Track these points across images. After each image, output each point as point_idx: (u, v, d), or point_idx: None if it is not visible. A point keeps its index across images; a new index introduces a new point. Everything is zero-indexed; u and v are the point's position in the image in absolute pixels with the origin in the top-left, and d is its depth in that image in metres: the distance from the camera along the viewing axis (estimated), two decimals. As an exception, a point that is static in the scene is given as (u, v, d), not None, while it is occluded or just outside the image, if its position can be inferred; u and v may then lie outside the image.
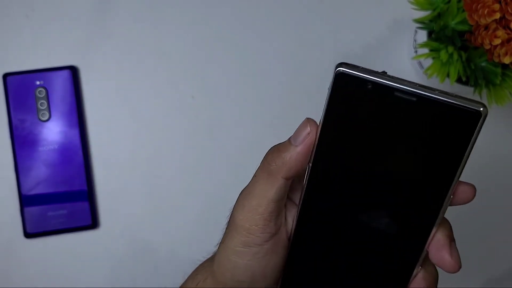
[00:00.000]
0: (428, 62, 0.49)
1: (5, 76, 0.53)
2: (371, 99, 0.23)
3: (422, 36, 0.49)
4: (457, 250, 0.26)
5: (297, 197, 0.28)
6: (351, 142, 0.24)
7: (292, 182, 0.28)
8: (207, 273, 0.32)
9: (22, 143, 0.53)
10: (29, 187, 0.53)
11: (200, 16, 0.56)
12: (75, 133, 0.53)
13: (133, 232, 0.55)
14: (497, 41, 0.41)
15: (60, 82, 0.53)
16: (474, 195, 0.26)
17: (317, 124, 0.25)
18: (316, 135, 0.25)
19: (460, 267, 0.26)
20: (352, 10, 0.57)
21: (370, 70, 0.23)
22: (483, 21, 0.41)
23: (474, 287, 0.56)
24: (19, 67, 0.53)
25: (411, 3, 0.47)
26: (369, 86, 0.22)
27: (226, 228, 0.29)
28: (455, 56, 0.45)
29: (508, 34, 0.41)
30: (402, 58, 0.56)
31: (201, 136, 0.55)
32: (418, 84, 0.22)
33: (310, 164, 0.26)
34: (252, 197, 0.27)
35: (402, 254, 0.26)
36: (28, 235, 0.53)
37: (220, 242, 0.30)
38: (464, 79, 0.46)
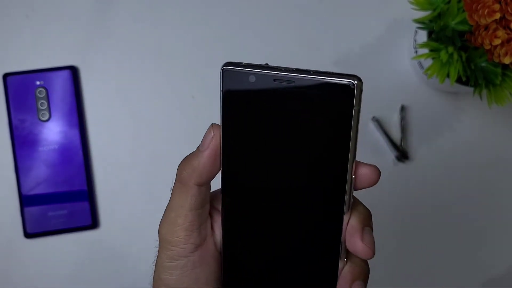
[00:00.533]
0: (428, 62, 0.49)
1: (5, 76, 0.53)
2: (256, 90, 0.24)
3: (422, 36, 0.49)
4: (372, 236, 0.25)
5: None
6: (249, 137, 0.25)
7: (216, 193, 0.29)
8: None
9: (22, 143, 0.53)
10: (29, 187, 0.53)
11: (200, 16, 0.56)
12: (75, 133, 0.53)
13: (133, 232, 0.55)
14: (497, 41, 0.41)
15: (60, 82, 0.53)
16: (378, 176, 0.25)
17: (219, 128, 0.26)
18: (219, 137, 0.26)
19: (373, 253, 0.25)
20: (352, 10, 0.57)
21: (253, 64, 0.24)
22: (483, 21, 0.41)
23: (474, 287, 0.56)
24: (19, 67, 0.54)
25: (411, 3, 0.47)
26: (252, 79, 0.24)
27: (157, 247, 0.29)
28: (455, 56, 0.45)
29: (508, 34, 0.41)
30: (402, 58, 0.56)
31: (201, 136, 0.55)
32: (295, 68, 0.23)
33: (221, 169, 0.27)
34: (170, 209, 0.28)
35: (324, 248, 0.26)
36: (28, 235, 0.53)
37: (154, 262, 0.29)
38: (464, 79, 0.46)
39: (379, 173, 0.25)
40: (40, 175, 0.53)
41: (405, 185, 0.57)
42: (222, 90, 0.25)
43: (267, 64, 0.25)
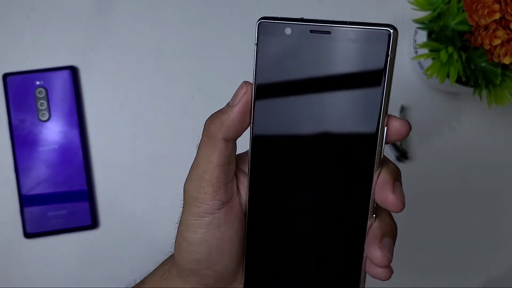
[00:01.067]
0: (428, 62, 0.49)
1: (5, 76, 0.53)
2: (293, 42, 0.24)
3: (422, 36, 0.49)
4: (402, 190, 0.25)
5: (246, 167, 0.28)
6: (284, 91, 0.25)
7: (243, 154, 0.29)
8: (171, 264, 0.32)
9: (22, 143, 0.53)
10: (29, 187, 0.53)
11: (200, 16, 0.56)
12: (75, 133, 0.53)
13: (133, 232, 0.55)
14: (497, 42, 0.41)
15: (60, 82, 0.53)
16: (409, 130, 0.25)
17: (252, 85, 0.26)
18: (252, 93, 0.26)
19: (403, 205, 0.25)
20: (352, 10, 0.57)
21: (288, 18, 0.25)
22: (483, 22, 0.41)
23: (474, 287, 0.56)
24: (19, 67, 0.54)
25: (411, 3, 0.47)
26: (288, 31, 0.24)
27: (182, 206, 0.29)
28: (455, 57, 0.45)
29: (508, 34, 0.41)
30: (402, 58, 0.56)
31: (201, 136, 0.55)
32: (331, 20, 0.24)
33: (252, 126, 0.26)
34: (197, 166, 0.28)
35: (353, 206, 0.26)
36: (28, 235, 0.53)
37: (178, 222, 0.29)
38: (464, 79, 0.46)
39: (409, 127, 0.25)
40: (40, 175, 0.53)
41: (405, 185, 0.56)
42: (257, 44, 0.25)
43: (302, 18, 0.25)
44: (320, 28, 0.24)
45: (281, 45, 0.25)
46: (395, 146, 0.55)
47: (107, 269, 0.55)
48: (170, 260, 0.33)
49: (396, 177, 0.26)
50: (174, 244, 0.30)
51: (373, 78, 0.23)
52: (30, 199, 0.53)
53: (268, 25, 0.25)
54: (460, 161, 0.57)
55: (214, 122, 0.27)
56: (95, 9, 0.55)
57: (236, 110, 0.26)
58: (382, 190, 0.25)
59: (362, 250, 0.26)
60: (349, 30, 0.23)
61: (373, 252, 0.25)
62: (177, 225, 0.29)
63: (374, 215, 0.26)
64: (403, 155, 0.55)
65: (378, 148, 0.24)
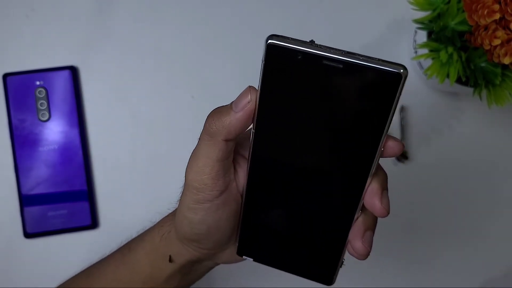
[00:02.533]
0: (427, 62, 0.49)
1: (5, 76, 0.53)
2: (302, 68, 0.24)
3: (422, 36, 0.49)
4: (388, 198, 0.28)
5: (246, 152, 0.29)
6: (288, 108, 0.26)
7: (241, 138, 0.30)
8: (170, 226, 0.35)
9: (22, 143, 0.53)
10: (29, 187, 0.53)
11: (200, 16, 0.56)
12: (75, 133, 0.53)
13: (133, 232, 0.55)
14: (497, 42, 0.41)
15: (60, 82, 0.53)
16: (402, 149, 0.27)
17: (257, 93, 0.26)
18: (256, 104, 0.26)
19: (388, 213, 0.28)
20: (352, 10, 0.57)
21: (299, 40, 0.24)
22: (483, 22, 0.41)
23: (474, 287, 0.56)
24: (19, 67, 0.54)
25: (411, 3, 0.47)
26: (299, 56, 0.24)
27: (183, 187, 0.31)
28: (455, 57, 0.45)
29: (507, 34, 0.41)
30: (402, 58, 0.56)
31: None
32: (344, 51, 0.24)
33: (254, 130, 0.27)
34: (198, 158, 0.29)
35: (344, 201, 0.29)
36: (28, 235, 0.53)
37: (179, 200, 0.32)
38: (464, 79, 0.46)
39: (402, 147, 0.27)
40: (40, 175, 0.53)
41: (405, 185, 0.57)
42: (264, 61, 0.25)
43: (313, 41, 0.24)
44: (332, 59, 0.24)
45: (290, 68, 0.24)
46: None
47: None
48: (169, 222, 0.35)
49: (384, 185, 0.29)
50: (175, 213, 0.32)
51: (381, 111, 0.25)
52: (30, 199, 0.53)
53: (277, 47, 0.24)
54: (459, 161, 0.57)
55: (216, 123, 0.28)
56: (95, 9, 0.55)
57: (238, 117, 0.27)
58: (371, 198, 0.28)
59: (346, 235, 0.30)
60: (362, 66, 0.23)
61: (356, 243, 0.29)
62: (178, 200, 0.32)
63: (360, 211, 0.29)
64: (403, 155, 0.55)
65: (374, 160, 0.27)
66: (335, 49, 0.24)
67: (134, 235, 0.40)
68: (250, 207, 0.31)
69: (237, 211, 0.32)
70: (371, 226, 0.30)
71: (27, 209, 0.53)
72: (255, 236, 0.32)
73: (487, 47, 0.42)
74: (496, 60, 0.42)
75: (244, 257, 0.33)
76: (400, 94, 0.24)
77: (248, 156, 0.29)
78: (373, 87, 0.24)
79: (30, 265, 0.54)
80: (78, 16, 0.55)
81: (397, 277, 0.56)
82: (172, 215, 0.35)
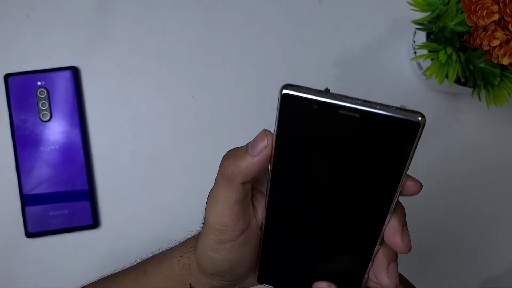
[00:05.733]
0: (427, 63, 0.49)
1: (7, 76, 0.53)
2: (317, 116, 0.24)
3: (421, 37, 0.49)
4: (408, 234, 0.29)
5: (263, 188, 0.30)
6: (305, 154, 0.26)
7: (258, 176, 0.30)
8: (190, 258, 0.34)
9: (24, 143, 0.53)
10: (30, 187, 0.53)
11: (200, 16, 0.56)
12: (76, 133, 0.53)
13: (134, 231, 0.55)
14: (496, 42, 0.41)
15: (61, 83, 0.53)
16: (420, 189, 0.28)
17: (273, 137, 0.26)
18: (272, 147, 0.26)
19: (410, 249, 0.28)
20: (351, 11, 0.57)
21: (314, 89, 0.24)
22: (482, 22, 0.41)
23: (474, 287, 0.57)
24: (21, 67, 0.54)
25: (410, 4, 0.47)
26: (315, 106, 0.23)
27: (203, 224, 0.31)
28: (454, 57, 0.45)
29: (506, 35, 0.41)
30: (401, 59, 0.56)
31: (201, 136, 0.56)
32: (361, 99, 0.23)
33: (270, 173, 0.27)
34: (217, 201, 0.29)
35: (364, 237, 0.29)
36: (29, 234, 0.53)
37: (199, 237, 0.32)
38: (462, 80, 0.46)
39: (420, 187, 0.28)
40: (41, 175, 0.53)
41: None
42: (279, 110, 0.25)
43: (328, 89, 0.24)
44: (349, 109, 0.23)
45: (305, 117, 0.24)
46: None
47: (108, 269, 0.55)
48: (190, 252, 0.35)
49: (404, 221, 0.29)
50: (196, 249, 0.32)
51: (400, 156, 0.25)
52: (31, 199, 0.53)
53: (292, 97, 0.24)
54: (459, 161, 0.57)
55: (232, 167, 0.28)
56: (97, 10, 0.55)
57: (256, 161, 0.27)
58: (392, 236, 0.28)
59: (366, 269, 0.30)
60: (379, 115, 0.23)
61: (382, 278, 0.29)
62: (198, 236, 0.32)
63: (379, 244, 0.29)
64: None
65: (394, 200, 0.27)
66: (351, 97, 0.23)
67: (149, 254, 0.39)
68: (269, 239, 0.31)
69: (259, 245, 0.32)
70: (393, 258, 0.30)
71: (29, 209, 0.53)
72: (275, 265, 0.32)
73: (486, 48, 0.42)
74: (495, 61, 0.42)
75: (264, 285, 0.33)
76: (418, 140, 0.24)
77: (266, 195, 0.29)
78: (391, 135, 0.24)
79: (31, 265, 0.54)
80: (79, 16, 0.55)
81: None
82: (192, 246, 0.35)
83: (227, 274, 0.32)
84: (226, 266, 0.31)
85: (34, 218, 0.53)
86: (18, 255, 0.54)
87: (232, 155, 0.28)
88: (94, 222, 0.54)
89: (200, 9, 0.56)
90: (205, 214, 0.30)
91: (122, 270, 0.40)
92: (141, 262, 0.39)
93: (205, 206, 0.30)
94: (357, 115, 0.23)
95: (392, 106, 0.23)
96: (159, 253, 0.38)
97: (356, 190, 0.27)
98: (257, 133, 0.27)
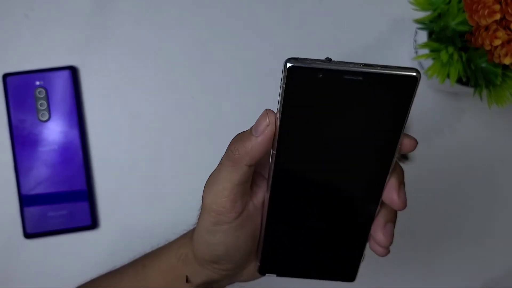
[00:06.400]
0: (428, 62, 0.49)
1: (5, 76, 0.53)
2: (323, 85, 0.25)
3: (422, 36, 0.49)
4: (405, 192, 0.30)
5: (264, 171, 0.31)
6: (310, 124, 0.27)
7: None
8: (188, 248, 0.35)
9: (22, 143, 0.53)
10: (29, 187, 0.53)
11: (200, 17, 0.56)
12: (75, 134, 0.53)
13: (133, 232, 0.55)
14: (498, 42, 0.41)
15: (60, 83, 0.53)
16: (415, 146, 0.29)
17: (275, 115, 0.27)
18: (276, 126, 0.27)
19: (405, 206, 0.30)
20: (352, 10, 0.57)
21: (317, 59, 0.25)
22: (483, 22, 0.41)
23: (474, 287, 0.56)
24: (19, 67, 0.53)
25: (412, 3, 0.47)
26: (320, 75, 0.25)
27: (200, 210, 0.31)
28: (455, 57, 0.45)
29: (508, 35, 0.41)
30: (402, 58, 0.56)
31: (201, 136, 0.55)
32: (361, 63, 0.25)
33: (274, 152, 0.28)
34: (218, 182, 0.30)
35: (366, 199, 0.30)
36: (28, 235, 0.53)
37: (196, 222, 0.32)
38: (464, 79, 0.46)
39: (416, 143, 0.29)
40: (40, 175, 0.53)
41: (406, 184, 0.56)
42: (285, 84, 0.25)
43: (329, 58, 0.25)
44: (353, 73, 0.25)
45: (311, 88, 0.25)
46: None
47: (107, 269, 0.55)
48: (187, 243, 0.35)
49: (401, 180, 0.30)
50: (193, 236, 0.33)
51: (399, 112, 0.27)
52: (30, 199, 0.53)
53: (297, 69, 0.25)
54: (460, 161, 0.57)
55: (239, 149, 0.29)
56: (96, 9, 0.55)
57: (260, 141, 0.28)
58: (389, 193, 0.30)
59: (369, 230, 0.32)
60: (380, 74, 0.25)
61: (378, 236, 0.31)
62: (196, 222, 0.32)
63: (379, 207, 0.31)
64: (402, 155, 0.55)
65: (394, 158, 0.29)
66: (353, 63, 0.25)
67: (148, 250, 0.39)
68: (273, 225, 0.31)
69: (255, 230, 0.32)
70: (391, 218, 0.31)
71: (27, 209, 0.53)
72: (278, 252, 0.33)
73: (487, 48, 0.42)
74: (496, 61, 0.42)
75: (267, 275, 0.34)
76: (415, 95, 0.26)
77: (269, 177, 0.29)
78: (392, 92, 0.26)
79: (30, 266, 0.54)
80: (78, 16, 0.55)
81: (397, 277, 0.56)
82: (190, 237, 0.35)
83: (222, 260, 0.32)
84: (222, 250, 0.31)
85: (32, 218, 0.53)
86: (17, 256, 0.54)
87: (238, 138, 0.29)
88: (93, 223, 0.53)
89: (200, 9, 0.56)
90: (202, 197, 0.31)
91: (121, 266, 0.40)
92: (139, 257, 0.39)
93: (202, 191, 0.31)
94: (360, 78, 0.25)
95: (391, 66, 0.25)
96: (157, 248, 0.38)
97: (361, 152, 0.28)
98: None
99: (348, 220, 0.31)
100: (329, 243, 0.32)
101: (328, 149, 0.28)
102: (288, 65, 0.25)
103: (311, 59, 0.25)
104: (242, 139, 0.28)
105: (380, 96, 0.26)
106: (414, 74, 0.25)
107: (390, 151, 0.28)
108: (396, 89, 0.25)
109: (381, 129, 0.27)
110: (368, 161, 0.29)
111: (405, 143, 0.29)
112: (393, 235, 0.31)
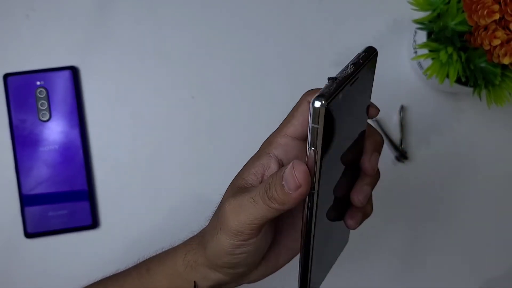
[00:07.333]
0: (427, 62, 0.49)
1: (6, 76, 0.53)
2: (342, 104, 0.26)
3: (422, 36, 0.49)
4: (376, 160, 0.31)
5: None
6: (340, 148, 0.28)
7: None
8: (196, 255, 0.34)
9: (23, 143, 0.53)
10: (30, 187, 0.53)
11: (200, 17, 0.56)
12: (75, 133, 0.53)
13: (133, 232, 0.55)
14: (497, 42, 0.41)
15: (61, 83, 0.53)
16: (378, 112, 0.31)
17: (307, 173, 0.26)
18: (314, 170, 0.27)
19: (374, 171, 0.31)
20: (352, 10, 0.57)
21: (329, 86, 0.25)
22: (482, 22, 0.41)
23: (474, 287, 0.57)
24: (20, 67, 0.54)
25: (411, 3, 0.47)
26: (340, 97, 0.25)
27: (217, 218, 0.31)
28: (455, 57, 0.45)
29: (507, 34, 0.41)
30: (402, 58, 0.56)
31: (201, 136, 0.55)
32: (349, 64, 0.27)
33: (313, 192, 0.28)
34: (249, 213, 0.29)
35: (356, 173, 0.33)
36: (28, 235, 0.53)
37: (211, 235, 0.31)
38: (463, 79, 0.46)
39: (378, 110, 0.31)
40: (41, 175, 0.53)
41: (405, 185, 0.57)
42: (324, 127, 0.25)
43: (333, 77, 0.26)
44: (353, 77, 0.26)
45: (338, 112, 0.26)
46: (395, 146, 0.55)
47: (107, 269, 0.55)
48: (195, 249, 0.34)
49: (376, 147, 0.32)
50: (206, 245, 0.32)
51: (369, 85, 0.30)
52: (30, 199, 0.53)
53: (329, 105, 0.24)
54: (459, 161, 0.57)
55: (277, 200, 0.28)
56: (96, 9, 0.55)
57: (296, 197, 0.27)
58: (363, 158, 0.31)
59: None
60: (363, 63, 0.27)
61: (354, 196, 0.32)
62: (211, 230, 0.32)
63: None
64: (402, 155, 0.56)
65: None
66: (345, 69, 0.26)
67: (151, 253, 0.39)
68: (311, 247, 0.30)
69: (269, 239, 0.32)
70: (369, 182, 0.32)
71: (28, 209, 0.53)
72: (314, 270, 0.32)
73: (486, 47, 0.42)
74: (495, 60, 0.42)
75: None
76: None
77: (308, 216, 0.28)
78: (369, 71, 0.29)
79: (30, 265, 0.54)
80: (78, 16, 0.55)
81: (397, 277, 0.56)
82: (197, 243, 0.34)
83: (239, 265, 0.32)
84: (241, 257, 0.31)
85: (33, 218, 0.53)
86: (17, 256, 0.54)
87: (278, 182, 0.28)
88: (93, 222, 0.53)
89: (200, 9, 0.56)
90: (226, 214, 0.30)
91: (124, 270, 0.40)
92: (143, 261, 0.39)
93: (223, 205, 0.30)
94: (357, 77, 0.27)
95: (361, 52, 0.28)
96: (161, 252, 0.38)
97: (359, 134, 0.30)
98: (288, 166, 0.27)
99: (346, 200, 0.32)
100: (336, 232, 0.33)
101: (347, 145, 0.29)
102: (319, 107, 0.24)
103: (330, 89, 0.25)
104: (281, 186, 0.27)
105: (364, 78, 0.28)
106: (374, 48, 0.29)
107: (365, 121, 0.31)
108: (370, 66, 0.29)
109: (364, 106, 0.30)
110: (359, 140, 0.31)
111: (371, 111, 0.31)
112: (368, 198, 0.31)
